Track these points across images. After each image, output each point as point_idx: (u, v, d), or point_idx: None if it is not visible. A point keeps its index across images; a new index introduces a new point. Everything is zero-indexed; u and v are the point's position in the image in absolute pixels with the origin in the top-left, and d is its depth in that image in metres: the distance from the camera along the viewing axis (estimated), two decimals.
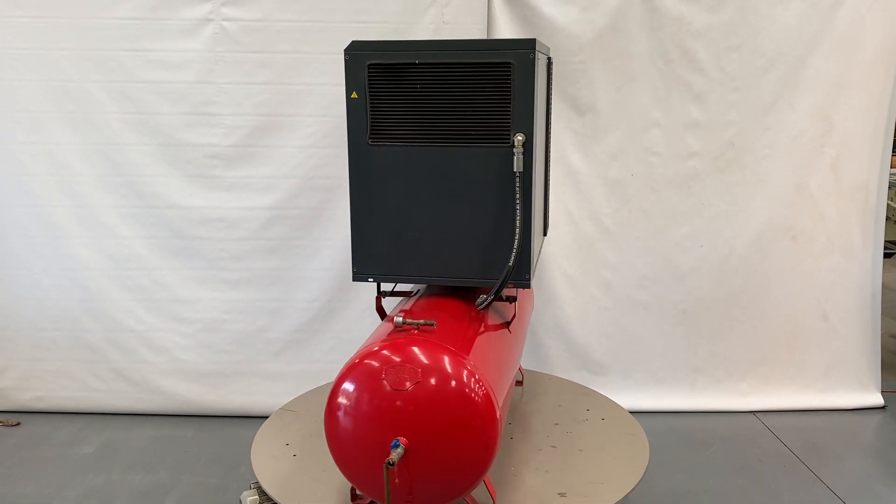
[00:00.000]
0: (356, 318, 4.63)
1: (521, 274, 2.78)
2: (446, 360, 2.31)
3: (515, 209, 2.65)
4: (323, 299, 4.66)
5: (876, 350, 4.96)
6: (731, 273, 4.78)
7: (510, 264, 2.65)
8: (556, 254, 4.72)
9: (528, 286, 2.83)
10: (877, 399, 4.94)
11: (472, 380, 2.30)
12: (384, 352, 2.34)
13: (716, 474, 4.10)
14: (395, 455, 2.22)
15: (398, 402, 2.28)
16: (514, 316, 3.08)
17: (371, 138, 2.65)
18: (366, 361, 2.35)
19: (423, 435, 2.27)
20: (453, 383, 2.28)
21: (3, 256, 4.64)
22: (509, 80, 2.62)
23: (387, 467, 2.21)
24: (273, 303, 4.67)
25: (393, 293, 3.19)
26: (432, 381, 2.27)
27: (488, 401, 2.28)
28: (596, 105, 4.54)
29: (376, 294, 3.06)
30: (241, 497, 2.95)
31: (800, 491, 3.95)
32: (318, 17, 4.31)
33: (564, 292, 4.76)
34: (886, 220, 4.98)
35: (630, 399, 4.63)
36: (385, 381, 2.28)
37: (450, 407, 2.27)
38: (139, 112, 4.44)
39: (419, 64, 2.63)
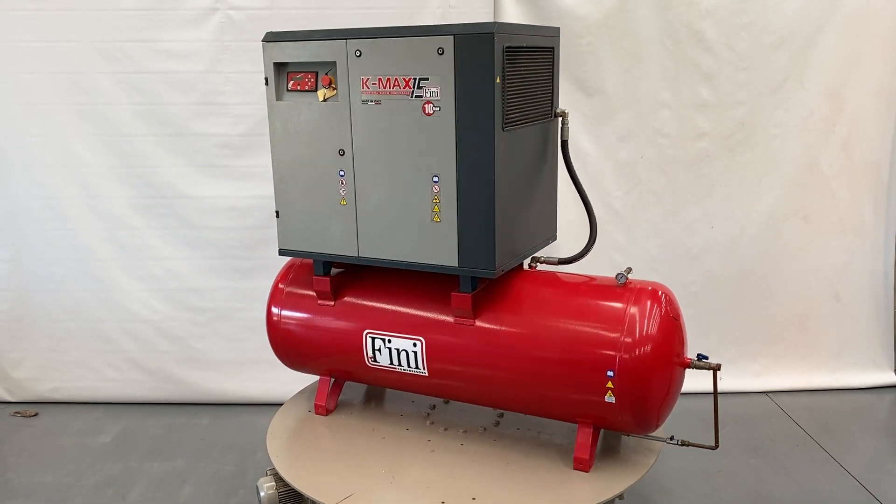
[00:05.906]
0: None
1: (552, 230, 3.27)
2: (667, 290, 2.85)
3: (573, 171, 3.09)
4: None
5: (888, 329, 4.95)
6: (742, 254, 4.76)
7: (594, 216, 3.14)
8: (566, 237, 4.71)
9: (556, 239, 3.33)
10: (889, 378, 4.93)
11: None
12: (660, 296, 2.76)
13: (729, 454, 4.11)
14: (713, 361, 2.75)
15: (680, 330, 2.80)
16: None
17: (505, 124, 2.65)
18: (662, 309, 2.72)
19: (684, 347, 2.84)
20: (678, 305, 2.86)
21: (17, 248, 4.68)
22: (552, 61, 2.96)
23: (716, 371, 2.75)
24: None
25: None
26: (674, 306, 2.81)
27: None
28: (604, 87, 4.52)
29: (472, 292, 2.78)
30: (258, 483, 2.97)
31: (813, 470, 3.96)
32: (325, 3, 4.30)
33: None
34: None
35: None
36: (674, 318, 2.74)
37: (681, 322, 2.84)
38: (148, 102, 4.45)
39: (527, 48, 2.74)
